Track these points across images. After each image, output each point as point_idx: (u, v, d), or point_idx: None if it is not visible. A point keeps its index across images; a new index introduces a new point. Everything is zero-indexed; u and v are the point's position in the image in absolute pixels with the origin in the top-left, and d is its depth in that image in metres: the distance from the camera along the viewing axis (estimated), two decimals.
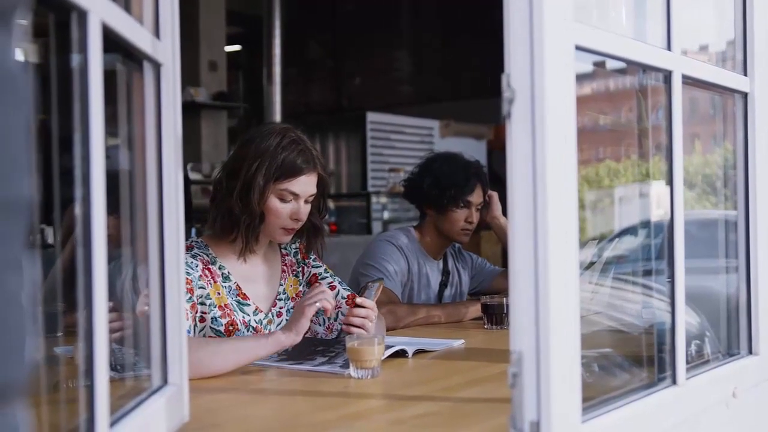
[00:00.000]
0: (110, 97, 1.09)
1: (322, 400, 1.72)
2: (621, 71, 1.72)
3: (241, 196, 2.17)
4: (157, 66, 1.35)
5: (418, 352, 2.19)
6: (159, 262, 1.38)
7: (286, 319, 2.30)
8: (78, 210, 1.02)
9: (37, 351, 0.61)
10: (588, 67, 1.46)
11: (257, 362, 2.01)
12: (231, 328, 2.18)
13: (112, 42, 1.12)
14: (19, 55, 0.63)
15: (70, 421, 1.16)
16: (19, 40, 0.63)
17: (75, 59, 1.03)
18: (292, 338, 1.98)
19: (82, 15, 1.00)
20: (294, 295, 2.37)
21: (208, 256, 2.23)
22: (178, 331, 1.40)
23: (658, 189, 1.85)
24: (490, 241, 6.94)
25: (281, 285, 2.36)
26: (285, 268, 2.39)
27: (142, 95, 1.35)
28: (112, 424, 1.09)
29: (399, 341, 2.20)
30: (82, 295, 1.02)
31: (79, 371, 1.47)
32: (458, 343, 2.35)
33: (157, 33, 1.36)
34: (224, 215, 2.21)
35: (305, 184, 2.21)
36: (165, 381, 1.38)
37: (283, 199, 2.19)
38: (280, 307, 2.34)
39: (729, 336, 1.88)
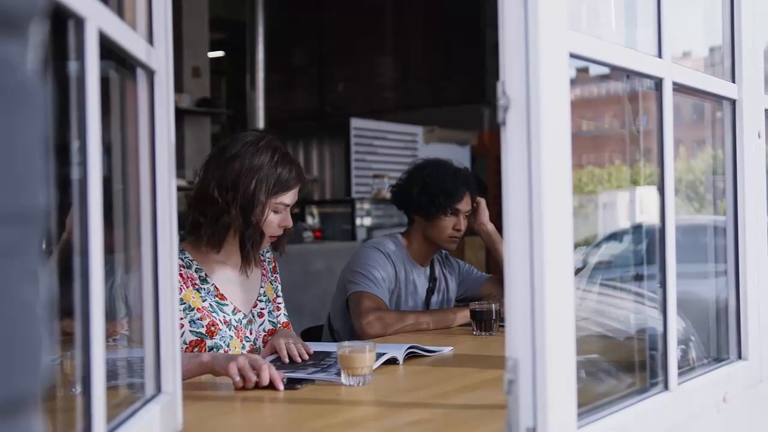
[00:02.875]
0: (103, 104, 1.09)
1: (315, 408, 1.71)
2: (603, 77, 1.73)
3: (243, 213, 2.23)
4: (150, 73, 1.35)
5: (410, 356, 2.19)
6: (152, 269, 1.37)
7: (268, 320, 2.40)
8: (75, 218, 1.01)
9: (51, 361, 0.60)
10: (571, 73, 1.47)
11: None
12: (213, 328, 2.23)
13: (106, 49, 1.11)
14: (34, 65, 0.62)
15: (65, 430, 1.15)
16: (35, 50, 0.63)
17: (71, 66, 1.02)
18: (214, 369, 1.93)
19: (80, 22, 0.99)
20: (272, 299, 2.45)
21: (183, 260, 2.27)
22: (172, 340, 1.39)
23: (642, 195, 1.87)
24: (474, 247, 6.95)
25: (262, 287, 2.43)
26: (264, 272, 2.46)
27: (135, 102, 1.35)
28: None
29: (388, 348, 2.20)
30: (78, 304, 1.01)
31: (68, 380, 1.46)
32: (448, 350, 2.36)
33: (150, 40, 1.35)
34: (222, 230, 2.25)
35: (294, 195, 2.33)
36: (159, 390, 1.37)
37: (276, 211, 2.29)
38: (261, 308, 2.40)
39: (718, 341, 1.89)
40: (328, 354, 2.19)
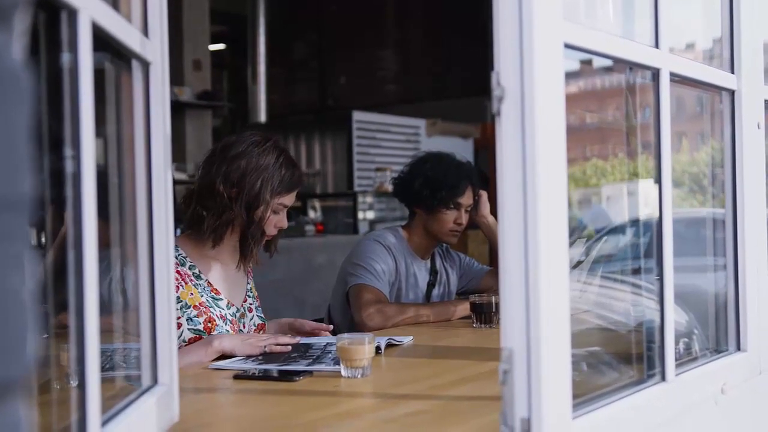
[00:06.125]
0: (98, 97, 1.09)
1: (313, 400, 1.71)
2: (607, 69, 1.73)
3: (246, 210, 2.28)
4: (146, 65, 1.35)
5: (390, 345, 2.25)
6: (148, 262, 1.37)
7: (257, 315, 2.46)
8: (68, 211, 1.01)
9: (38, 348, 0.61)
10: (575, 65, 1.47)
11: (244, 366, 2.01)
12: (210, 324, 2.26)
13: (101, 40, 1.11)
14: (19, 54, 0.63)
15: (61, 421, 1.15)
16: (20, 39, 0.63)
17: (64, 58, 1.02)
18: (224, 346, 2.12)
19: (72, 13, 0.99)
20: (256, 296, 2.51)
21: (177, 257, 2.28)
22: (168, 332, 1.40)
23: (645, 187, 1.86)
24: (477, 240, 6.95)
25: (248, 283, 2.48)
26: (250, 270, 2.51)
27: (131, 94, 1.35)
28: (104, 423, 1.09)
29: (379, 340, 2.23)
30: (72, 297, 1.01)
31: (65, 372, 1.47)
32: (407, 340, 2.39)
33: (145, 31, 1.35)
34: (224, 225, 2.29)
35: (293, 197, 2.38)
36: (155, 381, 1.38)
37: (275, 212, 2.33)
38: (250, 304, 2.46)
39: (717, 333, 1.89)
40: (310, 346, 2.21)
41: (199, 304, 2.26)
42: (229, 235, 2.33)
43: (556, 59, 1.21)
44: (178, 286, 2.22)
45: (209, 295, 2.30)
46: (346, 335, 1.96)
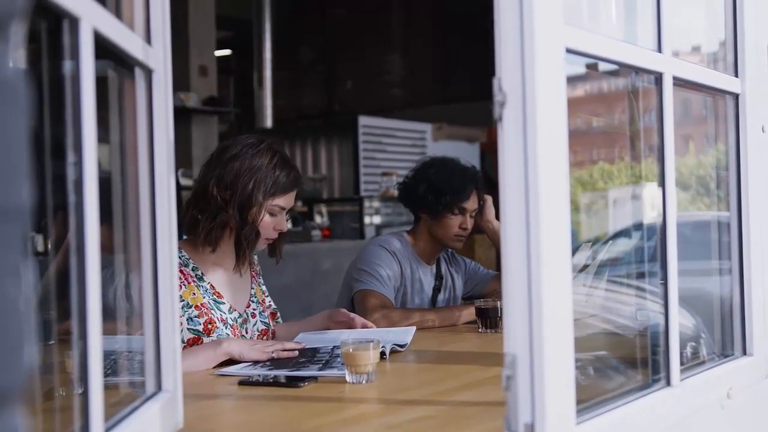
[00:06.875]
0: (101, 104, 1.09)
1: (318, 406, 1.71)
2: (613, 73, 1.72)
3: (240, 211, 2.28)
4: (148, 72, 1.35)
5: (394, 351, 2.25)
6: (152, 269, 1.37)
7: (260, 321, 2.45)
8: (71, 218, 1.01)
9: (35, 356, 0.61)
10: (580, 69, 1.46)
11: (252, 372, 2.01)
12: (210, 326, 2.27)
13: (103, 48, 1.12)
14: (16, 63, 0.63)
15: (65, 428, 1.15)
16: (17, 48, 0.63)
17: (66, 65, 1.03)
18: (234, 350, 2.11)
19: (74, 22, 1.00)
20: (261, 300, 2.50)
21: (180, 258, 2.29)
22: (172, 338, 1.40)
23: (651, 191, 1.86)
24: (484, 245, 6.94)
25: (252, 288, 2.48)
26: (254, 274, 2.51)
27: (134, 101, 1.35)
28: (107, 430, 1.09)
29: (366, 335, 2.24)
30: (75, 303, 1.01)
31: (71, 379, 1.47)
32: (411, 331, 2.42)
33: (148, 39, 1.35)
34: (219, 227, 2.29)
35: (290, 199, 2.37)
36: (159, 387, 1.38)
37: (272, 214, 2.33)
38: (253, 309, 2.45)
39: (723, 337, 1.88)
40: (317, 350, 2.21)
41: (201, 304, 2.27)
42: (227, 239, 2.33)
43: (557, 64, 1.21)
44: (180, 285, 2.23)
45: (211, 297, 2.31)
46: (350, 340, 1.96)
